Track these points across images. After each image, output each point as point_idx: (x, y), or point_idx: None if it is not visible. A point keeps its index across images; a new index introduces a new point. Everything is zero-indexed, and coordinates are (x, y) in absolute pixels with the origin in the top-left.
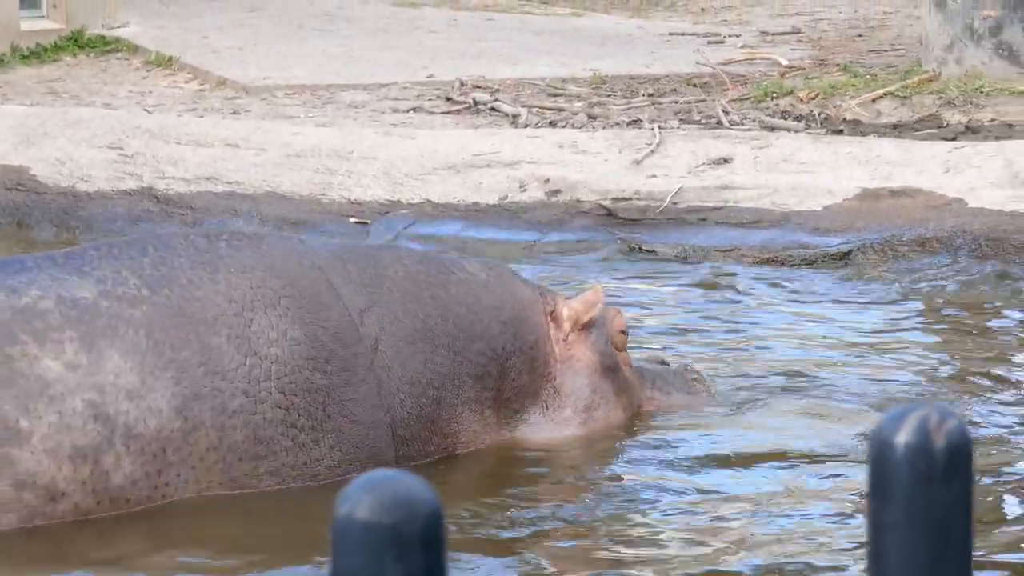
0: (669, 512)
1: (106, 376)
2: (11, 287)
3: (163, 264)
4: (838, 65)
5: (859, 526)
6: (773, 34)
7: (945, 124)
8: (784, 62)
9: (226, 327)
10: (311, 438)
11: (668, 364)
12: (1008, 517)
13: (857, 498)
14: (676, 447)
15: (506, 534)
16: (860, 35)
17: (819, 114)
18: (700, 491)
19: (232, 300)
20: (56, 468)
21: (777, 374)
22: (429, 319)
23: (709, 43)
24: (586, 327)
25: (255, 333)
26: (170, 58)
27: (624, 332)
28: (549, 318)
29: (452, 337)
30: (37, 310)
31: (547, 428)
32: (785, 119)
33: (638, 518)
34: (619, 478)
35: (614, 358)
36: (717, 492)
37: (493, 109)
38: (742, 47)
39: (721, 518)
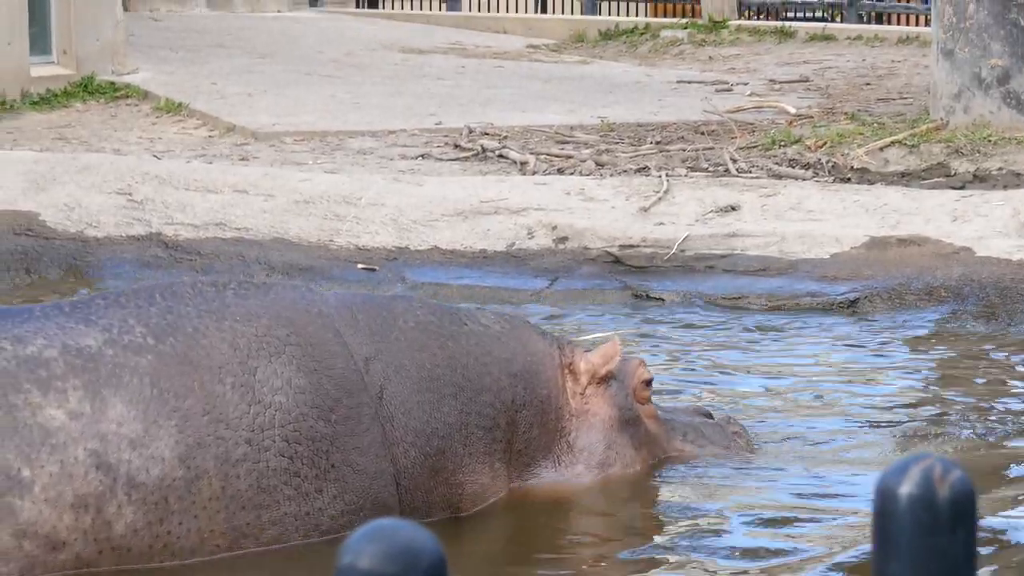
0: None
1: (109, 425)
2: (17, 336)
3: (170, 312)
4: (846, 113)
5: None
6: (781, 82)
7: (953, 173)
8: (792, 110)
9: (231, 375)
10: (315, 487)
11: (712, 416)
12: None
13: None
14: (700, 504)
15: None
16: (868, 84)
17: (827, 162)
18: (730, 553)
19: (237, 348)
20: (57, 517)
21: (793, 423)
22: (436, 369)
23: (717, 91)
24: (604, 380)
25: (260, 381)
26: (179, 104)
27: (647, 383)
28: (566, 371)
29: (459, 388)
30: (42, 359)
31: (559, 484)
32: (793, 167)
33: None
34: (636, 540)
35: (634, 412)
36: (745, 553)
37: (501, 156)
38: (750, 95)
39: None
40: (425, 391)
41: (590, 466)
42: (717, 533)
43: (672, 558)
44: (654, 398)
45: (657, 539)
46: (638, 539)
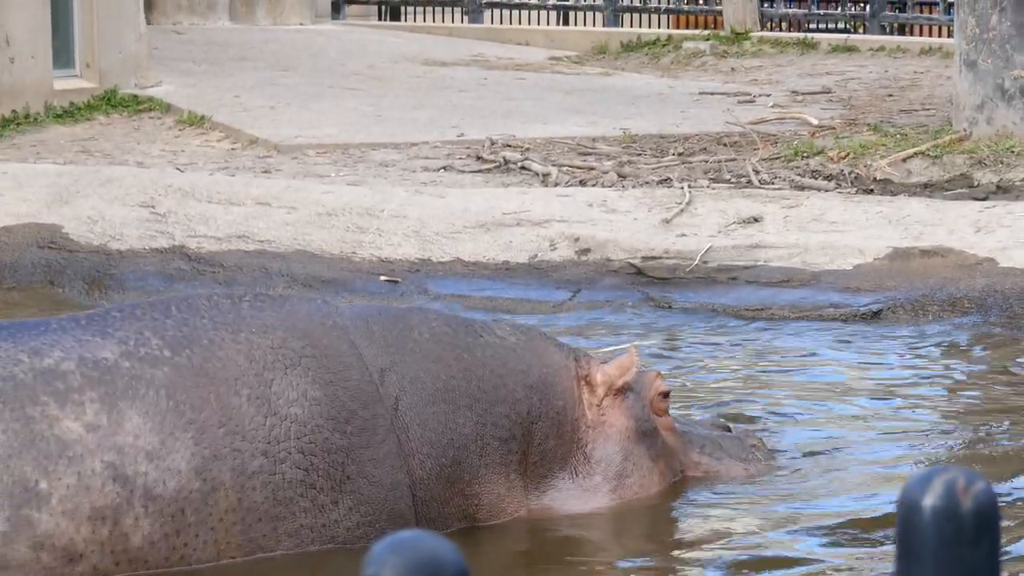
0: None
1: (126, 437)
2: (34, 348)
3: (185, 325)
4: (868, 125)
5: None
6: (803, 94)
7: (976, 184)
8: (814, 121)
9: (246, 387)
10: (330, 499)
11: (730, 429)
12: None
13: None
14: (718, 518)
15: None
16: (890, 95)
17: (849, 173)
18: (744, 568)
19: (253, 360)
20: (75, 529)
21: (816, 437)
22: (452, 380)
23: (739, 102)
24: (621, 391)
25: (275, 393)
26: (202, 117)
27: (665, 395)
28: (583, 383)
29: (475, 399)
30: (59, 371)
31: (576, 494)
32: (815, 178)
33: None
34: (651, 556)
35: (651, 423)
36: (763, 570)
37: (523, 168)
38: (772, 106)
39: None
40: (440, 402)
41: (607, 477)
42: (735, 549)
43: (689, 572)
44: (672, 410)
45: (674, 553)
46: (652, 552)
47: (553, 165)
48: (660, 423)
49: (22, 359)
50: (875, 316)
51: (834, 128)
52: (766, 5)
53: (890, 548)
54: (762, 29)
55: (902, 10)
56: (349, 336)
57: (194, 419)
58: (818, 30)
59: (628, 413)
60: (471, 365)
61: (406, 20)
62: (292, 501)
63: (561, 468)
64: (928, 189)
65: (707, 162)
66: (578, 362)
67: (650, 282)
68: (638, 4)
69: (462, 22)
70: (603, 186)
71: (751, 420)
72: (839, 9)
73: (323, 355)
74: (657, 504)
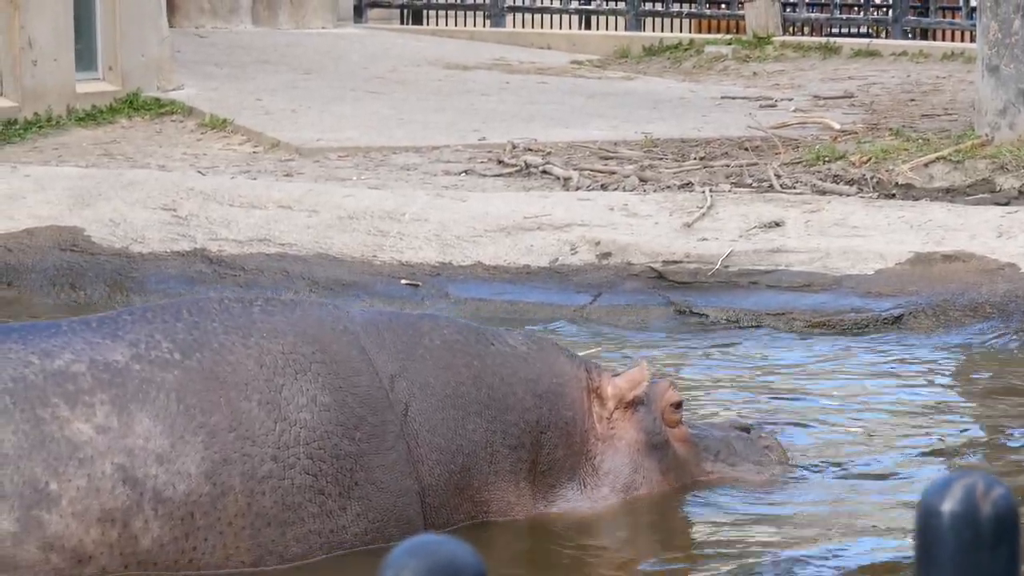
0: None
1: (136, 440)
2: (45, 350)
3: (196, 328)
4: (890, 129)
5: None
6: (825, 98)
7: (998, 189)
8: (836, 126)
9: (257, 392)
10: (338, 505)
11: (749, 430)
12: None
13: None
14: (727, 522)
15: None
16: (913, 99)
17: (871, 178)
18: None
19: (263, 365)
20: (84, 531)
21: (836, 443)
22: (462, 387)
23: (761, 107)
24: (631, 405)
25: (285, 398)
26: (224, 120)
27: (677, 406)
28: (593, 395)
29: (484, 406)
30: (69, 373)
31: (583, 505)
32: (837, 183)
33: None
34: (663, 563)
35: (662, 435)
36: None
37: (545, 172)
38: (794, 111)
39: None
40: (450, 408)
41: (615, 489)
42: (741, 554)
43: (696, 573)
44: (687, 414)
45: (681, 555)
46: (661, 556)
47: (574, 169)
48: (672, 434)
49: (33, 361)
50: (896, 321)
51: (856, 133)
52: (788, 10)
53: (909, 555)
54: (784, 33)
55: (924, 15)
56: (359, 342)
57: (204, 423)
58: (840, 35)
59: (638, 426)
60: (481, 372)
61: (428, 24)
62: (301, 506)
63: (569, 478)
64: (950, 194)
65: (728, 166)
66: (589, 374)
67: (671, 286)
68: (660, 8)
69: (484, 26)
70: (624, 190)
71: (762, 424)
72: (861, 14)
73: (333, 361)
74: (664, 509)
